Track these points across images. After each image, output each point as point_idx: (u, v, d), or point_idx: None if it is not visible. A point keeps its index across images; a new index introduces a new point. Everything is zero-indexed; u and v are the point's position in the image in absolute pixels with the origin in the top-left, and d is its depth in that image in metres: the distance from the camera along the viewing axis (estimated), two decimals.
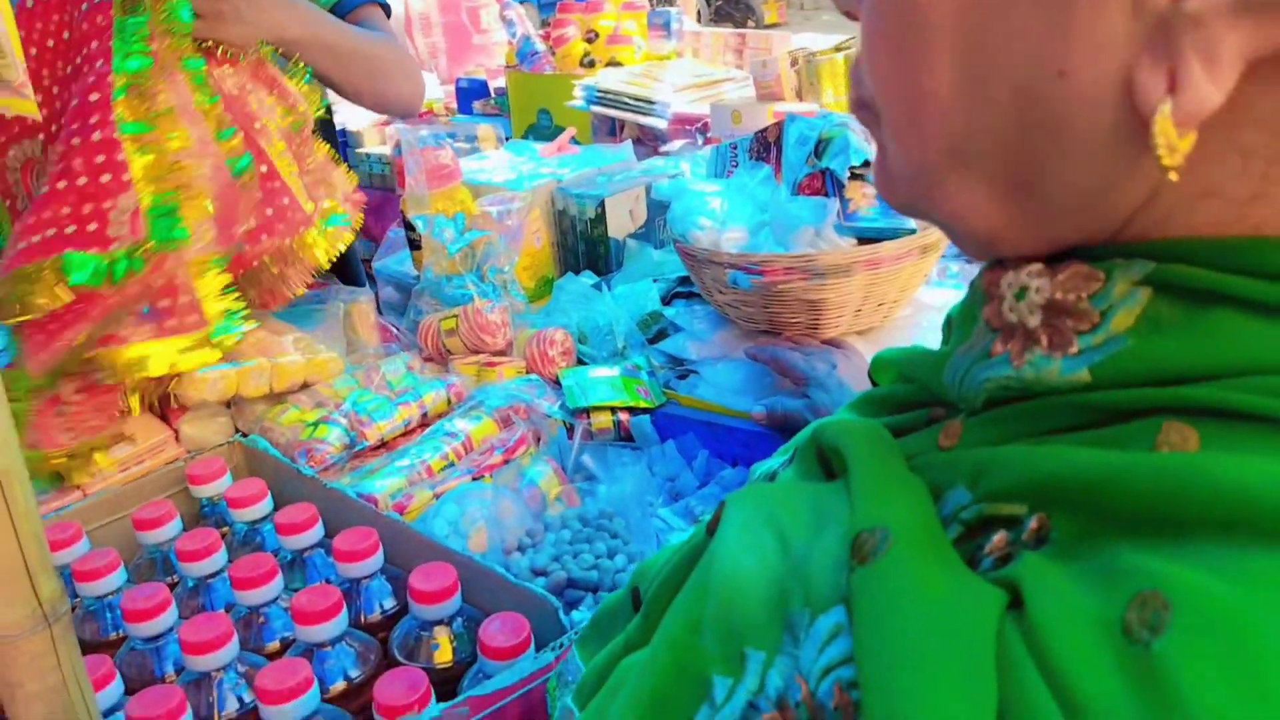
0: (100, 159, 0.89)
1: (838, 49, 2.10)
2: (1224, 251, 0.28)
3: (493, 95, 3.28)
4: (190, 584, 0.80)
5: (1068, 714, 0.24)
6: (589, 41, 2.91)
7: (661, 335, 1.23)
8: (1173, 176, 0.27)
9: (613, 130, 2.65)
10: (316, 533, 0.81)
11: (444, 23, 4.14)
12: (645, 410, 1.09)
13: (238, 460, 0.97)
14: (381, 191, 3.16)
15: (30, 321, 0.90)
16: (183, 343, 0.95)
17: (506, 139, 2.69)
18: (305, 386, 1.11)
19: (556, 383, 1.14)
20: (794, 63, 2.03)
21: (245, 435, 1.02)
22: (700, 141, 2.34)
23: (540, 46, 2.93)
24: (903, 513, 0.31)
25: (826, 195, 1.11)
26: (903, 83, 0.33)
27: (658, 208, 1.42)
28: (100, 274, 0.87)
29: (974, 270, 0.40)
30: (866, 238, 1.05)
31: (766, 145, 1.16)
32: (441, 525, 0.87)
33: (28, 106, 0.51)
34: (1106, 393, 0.29)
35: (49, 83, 0.99)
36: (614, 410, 1.09)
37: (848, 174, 1.03)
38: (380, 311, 1.33)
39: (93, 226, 0.88)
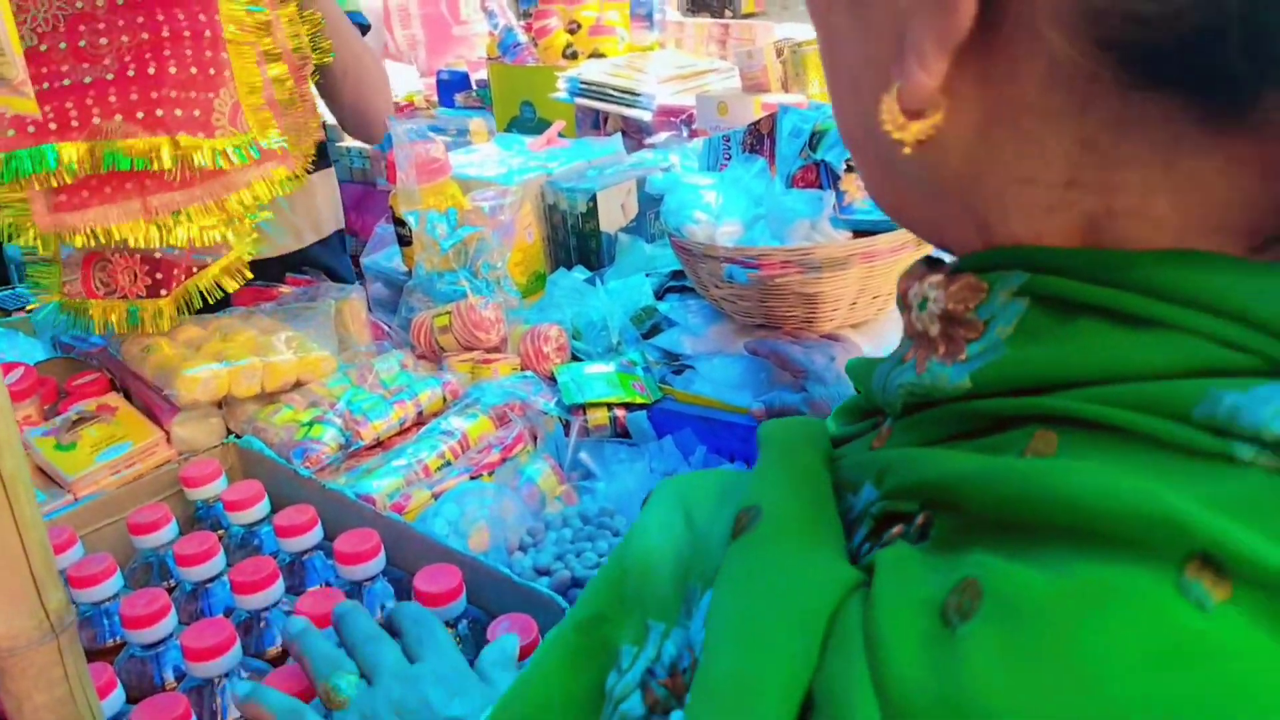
0: (208, 54, 0.98)
1: None
2: (1091, 263, 0.29)
3: (474, 87, 3.25)
4: (189, 588, 0.79)
5: (876, 688, 0.25)
6: (571, 33, 2.89)
7: (655, 330, 1.23)
8: (906, 151, 0.31)
9: (596, 123, 2.63)
10: (316, 534, 0.80)
11: (423, 14, 4.11)
12: (641, 406, 1.08)
13: (232, 462, 0.96)
14: (362, 185, 3.13)
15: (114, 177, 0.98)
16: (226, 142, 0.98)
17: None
18: (298, 385, 1.10)
19: (552, 379, 1.14)
20: (780, 53, 2.03)
21: (238, 436, 1.01)
22: (685, 133, 2.33)
23: (522, 38, 2.91)
24: (779, 494, 0.33)
25: (821, 188, 1.11)
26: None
27: (649, 201, 1.42)
28: (221, 158, 0.97)
29: None
30: (862, 230, 1.05)
31: (759, 138, 1.16)
32: (441, 525, 0.86)
33: (27, 105, 0.50)
34: (987, 400, 0.31)
35: None
36: (610, 406, 1.08)
37: (844, 166, 1.03)
38: (370, 309, 1.31)
39: (197, 113, 0.97)
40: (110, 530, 0.89)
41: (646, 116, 2.40)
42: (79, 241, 0.99)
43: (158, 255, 1.10)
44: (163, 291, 1.11)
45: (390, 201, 1.33)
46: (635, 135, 2.53)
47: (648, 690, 0.32)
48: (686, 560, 0.34)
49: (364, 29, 1.50)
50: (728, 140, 1.20)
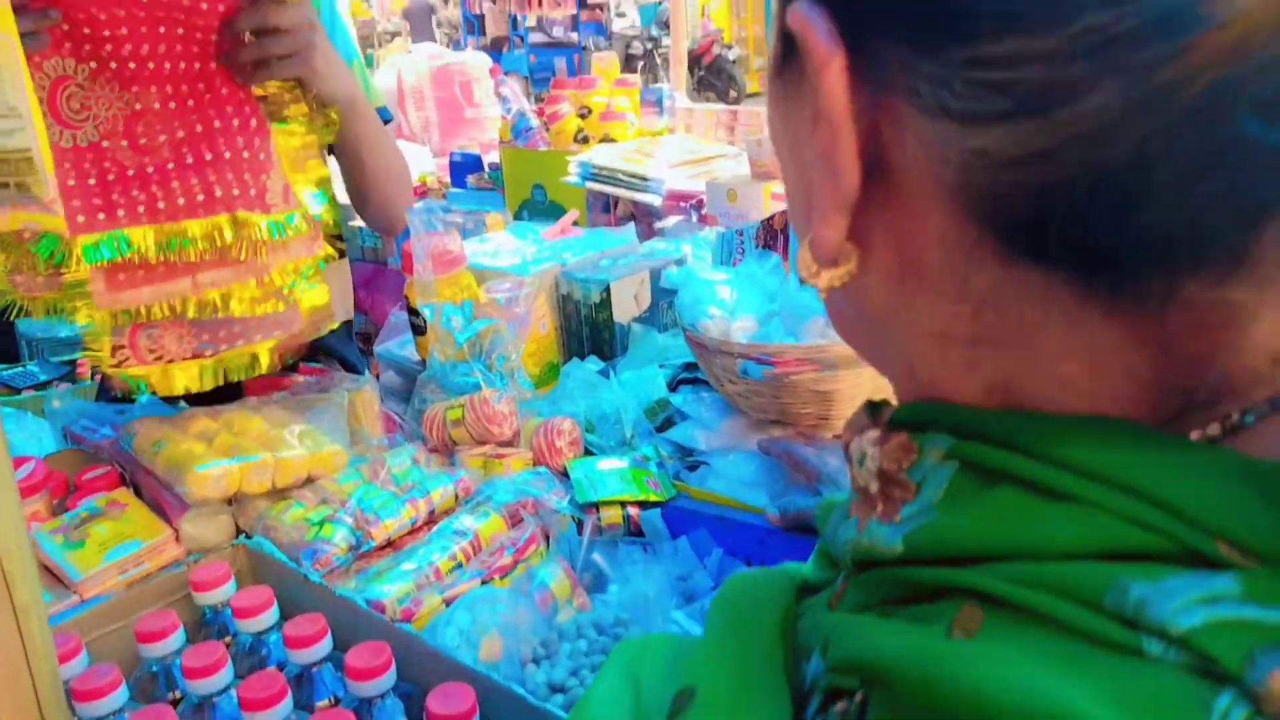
0: (256, 141, 1.07)
1: None
2: (1008, 429, 0.29)
3: (486, 170, 3.32)
4: (195, 700, 0.77)
5: None
6: (582, 117, 2.96)
7: (669, 423, 1.22)
8: (822, 295, 0.34)
9: (607, 206, 2.67)
10: (325, 646, 0.78)
11: (437, 97, 4.21)
12: (656, 504, 1.07)
13: (241, 564, 0.95)
14: (373, 264, 3.17)
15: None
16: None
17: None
18: (309, 481, 1.09)
19: (564, 474, 1.13)
20: None
21: (248, 536, 1.00)
22: (695, 218, 2.36)
23: (534, 122, 2.98)
24: (717, 674, 0.34)
25: None
26: None
27: (662, 291, 1.42)
28: (276, 231, 1.06)
29: None
30: None
31: (773, 232, 1.17)
32: (453, 635, 0.84)
33: (56, 222, 0.50)
34: (915, 568, 0.30)
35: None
36: (624, 504, 1.07)
37: None
38: (381, 399, 1.31)
39: (253, 192, 1.06)
40: (117, 635, 0.87)
41: (656, 201, 2.44)
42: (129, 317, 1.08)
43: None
44: (208, 351, 1.16)
45: (405, 291, 1.34)
46: (645, 219, 2.56)
47: None
48: None
49: (386, 122, 1.53)
50: (741, 235, 1.21)
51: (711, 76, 12.05)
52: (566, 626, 0.85)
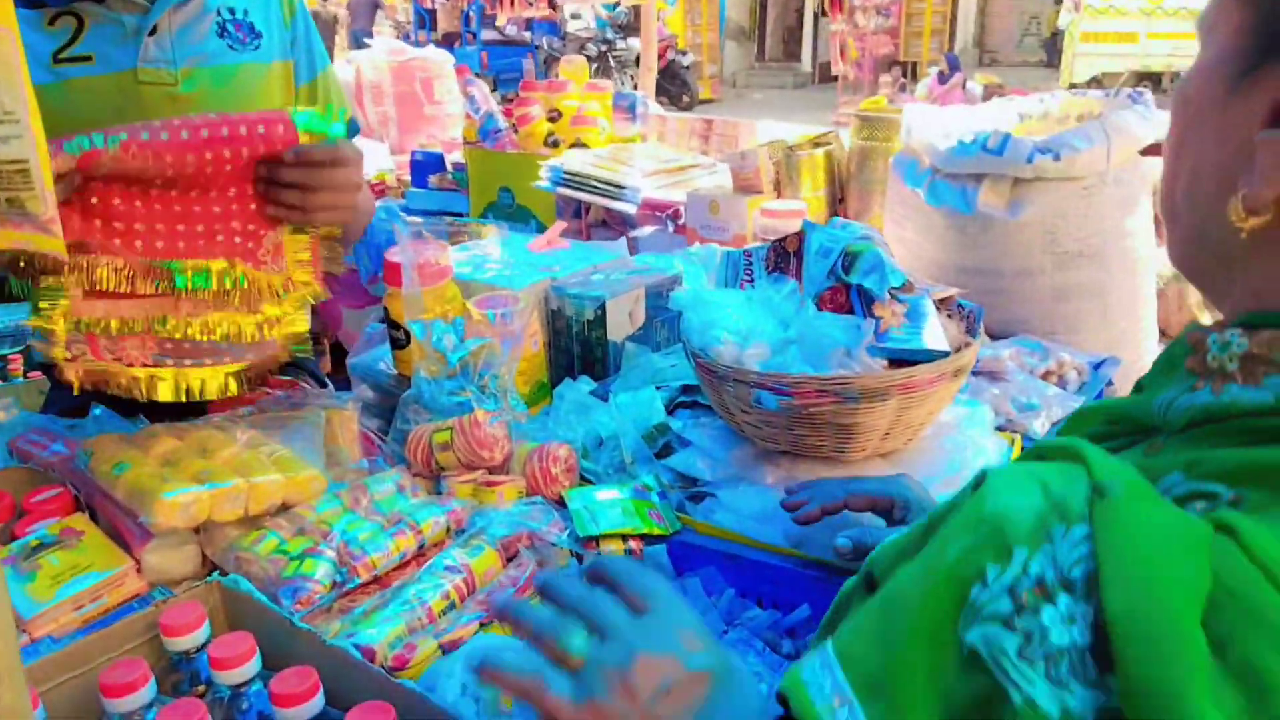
0: (251, 207, 1.08)
1: (816, 143, 2.10)
2: None
3: (450, 169, 3.22)
4: None
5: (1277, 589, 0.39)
6: (552, 120, 2.88)
7: (668, 449, 1.16)
8: (1243, 236, 0.49)
9: (578, 212, 2.60)
10: (318, 704, 0.71)
11: (396, 92, 4.08)
12: (659, 538, 1.01)
13: (214, 603, 0.86)
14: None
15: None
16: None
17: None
18: (284, 508, 1.00)
19: (560, 502, 1.06)
20: (773, 155, 2.02)
21: (217, 568, 0.91)
22: (671, 229, 2.31)
23: (503, 124, 2.89)
24: (1124, 473, 0.44)
25: (852, 311, 1.06)
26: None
27: (657, 309, 1.36)
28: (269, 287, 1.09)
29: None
30: (898, 359, 1.00)
31: (785, 256, 1.11)
32: (453, 688, 0.77)
33: (54, 244, 0.43)
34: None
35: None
36: (626, 538, 1.01)
37: (886, 294, 0.99)
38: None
39: (250, 244, 1.08)
40: (75, 685, 0.78)
41: (631, 210, 2.38)
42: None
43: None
44: (168, 362, 1.10)
45: (386, 302, 1.26)
46: (618, 227, 2.50)
47: (1015, 595, 0.42)
48: (1044, 512, 0.43)
49: (354, 135, 1.46)
50: (749, 255, 1.16)
51: (665, 81, 12.05)
52: None
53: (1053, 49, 9.98)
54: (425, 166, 3.29)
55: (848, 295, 1.07)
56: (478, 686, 0.78)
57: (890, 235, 1.75)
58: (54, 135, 1.21)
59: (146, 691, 0.73)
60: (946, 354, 1.00)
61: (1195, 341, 0.52)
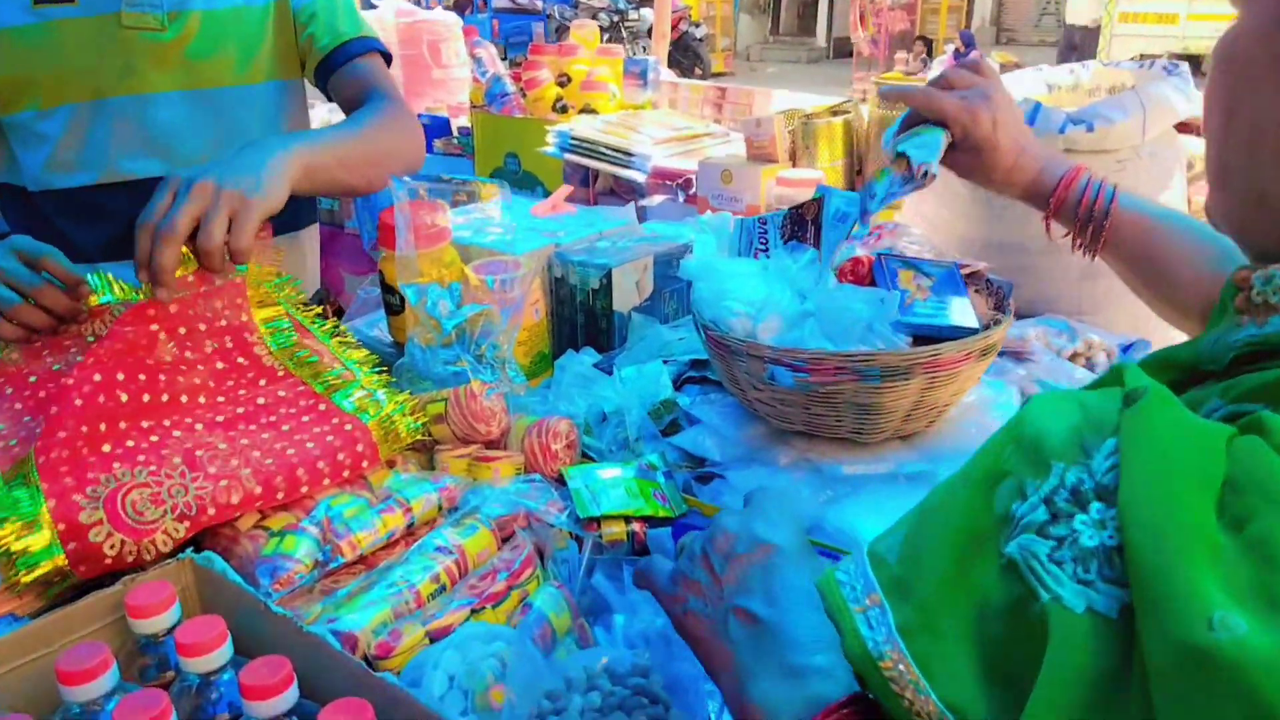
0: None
1: (834, 111, 2.01)
2: None
3: (455, 134, 3.14)
4: None
5: None
6: (561, 85, 2.80)
7: (675, 426, 1.10)
8: None
9: (585, 180, 2.53)
10: (291, 697, 0.65)
11: (403, 55, 3.99)
12: (664, 520, 0.95)
13: (187, 582, 0.80)
14: (329, 227, 2.98)
15: None
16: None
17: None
18: None
19: (559, 480, 1.00)
20: (789, 124, 1.94)
21: (196, 549, 0.86)
22: (681, 198, 2.23)
23: (510, 88, 2.81)
24: (1153, 384, 0.45)
25: (873, 283, 1.00)
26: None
27: (665, 279, 1.30)
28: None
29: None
30: (923, 335, 0.94)
31: (803, 223, 1.04)
32: (440, 680, 0.72)
33: None
34: None
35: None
36: (628, 520, 0.95)
37: (933, 167, 0.90)
38: None
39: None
40: (32, 668, 0.73)
41: (640, 178, 2.30)
42: None
43: None
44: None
45: (381, 266, 1.19)
46: (627, 195, 2.42)
47: (1051, 504, 0.43)
48: (1081, 428, 0.44)
49: (387, 59, 1.39)
50: (764, 223, 1.09)
51: (678, 54, 11.90)
52: (575, 674, 0.73)
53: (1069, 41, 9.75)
54: (430, 131, 3.21)
55: (871, 267, 1.00)
56: (465, 679, 0.72)
57: (910, 208, 1.68)
58: (31, 78, 1.15)
59: (107, 679, 0.67)
60: (975, 331, 0.93)
61: (1240, 280, 0.54)
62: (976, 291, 1.03)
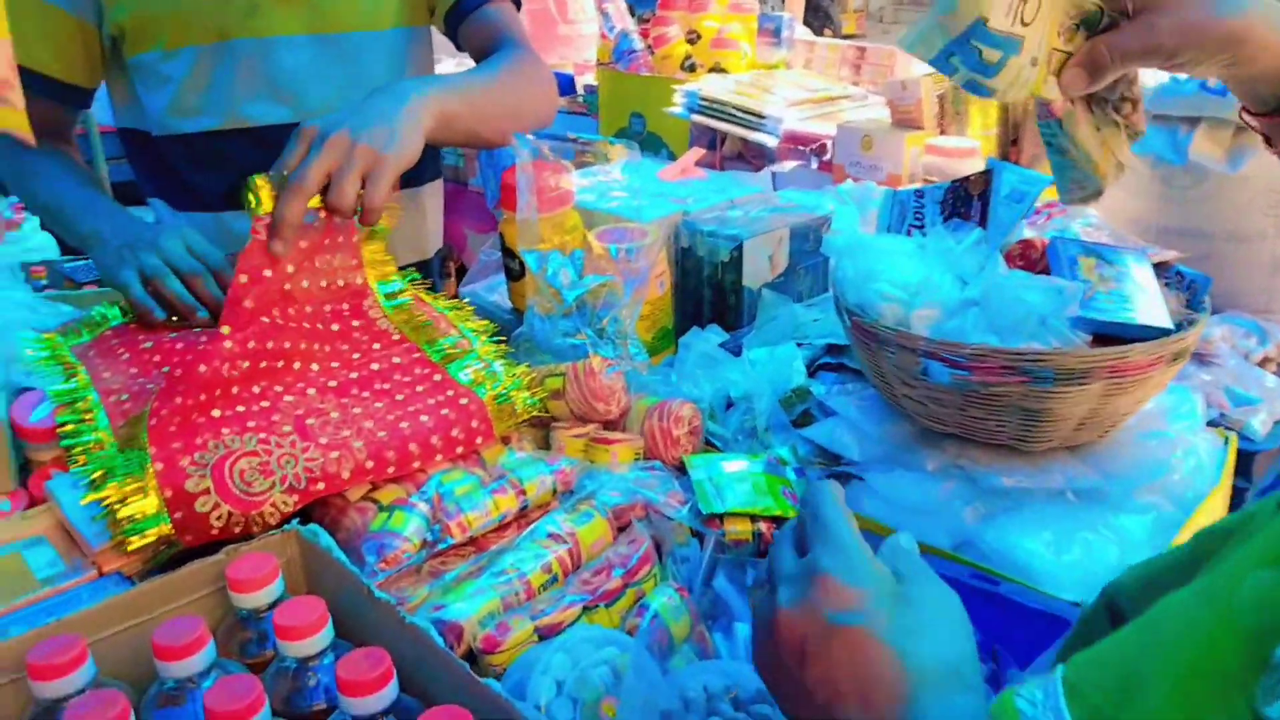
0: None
1: None
2: None
3: (580, 93, 3.07)
4: None
5: None
6: (691, 43, 2.69)
7: (807, 417, 1.01)
8: None
9: (713, 143, 2.43)
10: (390, 694, 0.60)
11: (529, 10, 3.93)
12: None
13: (291, 554, 0.77)
14: (453, 184, 2.97)
15: None
16: None
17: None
18: None
19: (680, 469, 0.93)
20: (937, 88, 1.79)
21: (303, 517, 0.82)
22: (814, 165, 2.11)
23: (639, 45, 2.72)
24: None
25: (1048, 270, 0.88)
26: None
27: (801, 254, 1.20)
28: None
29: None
30: (1105, 334, 0.82)
31: (966, 199, 0.93)
32: (548, 686, 0.66)
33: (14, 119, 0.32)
34: None
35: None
36: (754, 518, 0.87)
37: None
38: None
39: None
40: (134, 633, 0.70)
41: (771, 142, 2.19)
42: None
43: None
44: None
45: (501, 228, 1.14)
46: (756, 160, 2.32)
47: None
48: None
49: (518, 5, 1.33)
50: (920, 196, 0.98)
51: (808, 14, 11.53)
52: (694, 695, 0.66)
53: None
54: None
55: (1044, 251, 0.89)
56: (574, 687, 0.67)
57: None
58: (157, 17, 1.12)
59: (202, 657, 0.64)
60: (1168, 332, 0.81)
61: None
62: (1165, 285, 0.90)
